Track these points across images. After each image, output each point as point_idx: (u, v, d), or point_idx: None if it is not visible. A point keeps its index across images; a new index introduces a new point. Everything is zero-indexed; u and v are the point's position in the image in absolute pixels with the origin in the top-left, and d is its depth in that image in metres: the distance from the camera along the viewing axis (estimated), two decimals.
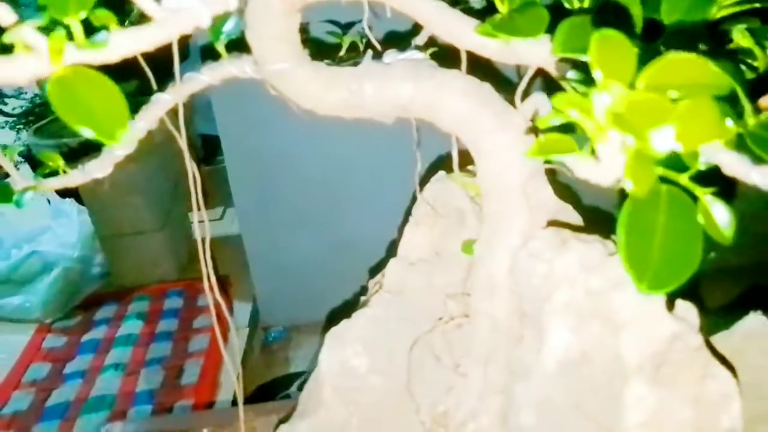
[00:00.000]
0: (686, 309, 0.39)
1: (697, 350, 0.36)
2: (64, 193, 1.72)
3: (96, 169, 0.48)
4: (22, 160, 2.02)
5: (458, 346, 0.52)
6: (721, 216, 0.38)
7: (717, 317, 0.49)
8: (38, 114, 1.71)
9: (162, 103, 0.47)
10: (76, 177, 0.49)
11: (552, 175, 0.47)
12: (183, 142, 0.63)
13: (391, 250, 0.60)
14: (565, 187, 0.50)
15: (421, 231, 0.58)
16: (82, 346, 1.56)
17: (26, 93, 1.83)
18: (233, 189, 1.39)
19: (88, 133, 0.28)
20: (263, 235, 1.46)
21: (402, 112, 0.49)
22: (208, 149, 2.14)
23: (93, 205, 1.62)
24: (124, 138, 0.46)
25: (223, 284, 1.72)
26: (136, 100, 0.43)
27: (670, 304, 0.38)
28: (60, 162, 0.49)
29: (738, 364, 0.49)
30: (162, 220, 1.64)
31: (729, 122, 0.37)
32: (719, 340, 0.49)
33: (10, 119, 1.80)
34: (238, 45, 0.47)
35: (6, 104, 1.81)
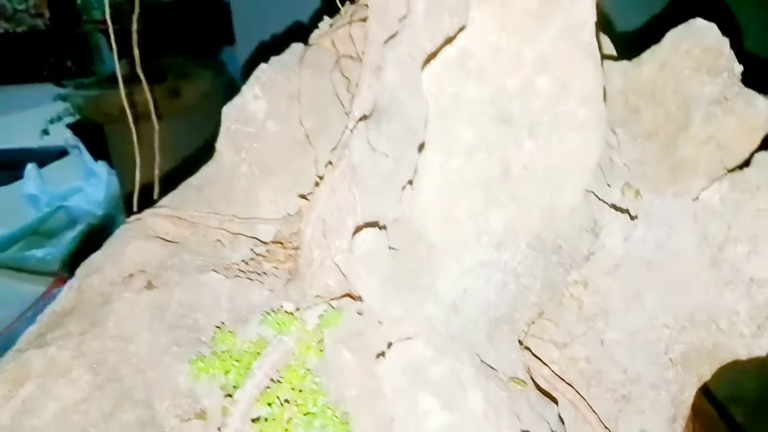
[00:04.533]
0: None
1: None
2: (96, 155, 1.76)
3: None
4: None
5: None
6: None
7: None
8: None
9: None
10: None
11: None
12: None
13: None
14: None
15: None
16: None
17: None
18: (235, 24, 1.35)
19: None
20: None
21: None
22: None
23: (121, 166, 1.65)
24: None
25: None
26: None
27: None
28: None
29: (666, 76, 0.42)
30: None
31: None
32: (648, 55, 0.43)
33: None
34: None
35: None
